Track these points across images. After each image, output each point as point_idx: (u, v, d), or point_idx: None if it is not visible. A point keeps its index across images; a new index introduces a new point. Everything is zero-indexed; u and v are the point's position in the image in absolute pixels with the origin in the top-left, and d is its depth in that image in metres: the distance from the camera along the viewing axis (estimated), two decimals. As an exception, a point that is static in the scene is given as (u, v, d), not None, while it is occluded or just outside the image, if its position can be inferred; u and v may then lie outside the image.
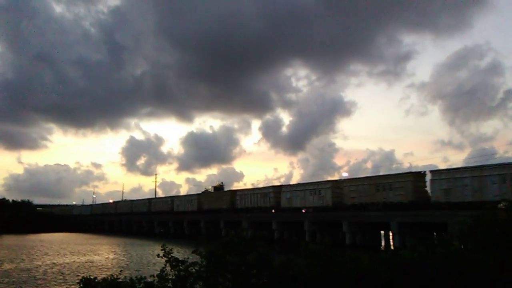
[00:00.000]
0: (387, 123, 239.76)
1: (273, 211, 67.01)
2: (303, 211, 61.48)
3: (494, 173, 40.54)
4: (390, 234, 50.56)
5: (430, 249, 10.68)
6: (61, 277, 33.89)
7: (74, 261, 44.66)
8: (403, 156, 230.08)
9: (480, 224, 10.43)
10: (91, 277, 10.56)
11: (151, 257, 46.84)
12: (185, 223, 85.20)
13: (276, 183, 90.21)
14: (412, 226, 44.80)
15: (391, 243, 50.25)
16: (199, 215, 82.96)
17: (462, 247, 10.99)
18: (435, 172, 47.10)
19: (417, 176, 49.59)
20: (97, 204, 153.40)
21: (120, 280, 10.28)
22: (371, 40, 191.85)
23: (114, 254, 53.58)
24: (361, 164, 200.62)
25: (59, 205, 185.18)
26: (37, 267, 39.60)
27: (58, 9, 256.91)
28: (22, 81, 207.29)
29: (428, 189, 48.19)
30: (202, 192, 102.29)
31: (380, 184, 52.47)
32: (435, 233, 43.43)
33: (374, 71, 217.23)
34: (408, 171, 59.72)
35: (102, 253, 54.31)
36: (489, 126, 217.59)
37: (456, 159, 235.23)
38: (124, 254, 53.52)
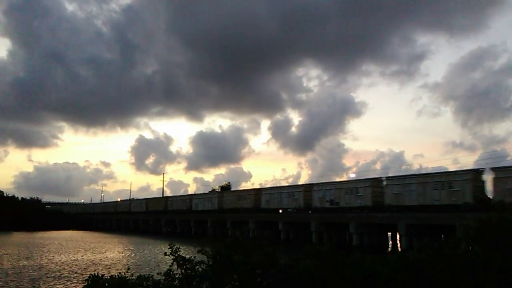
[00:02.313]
0: (398, 124, 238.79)
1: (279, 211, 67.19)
2: None
3: None
4: (398, 235, 50.30)
5: (437, 251, 10.64)
6: (71, 274, 34.18)
7: (83, 259, 45.00)
8: (413, 158, 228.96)
9: (488, 227, 10.37)
10: (99, 274, 10.67)
11: (158, 255, 47.10)
12: (192, 223, 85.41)
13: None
14: (420, 228, 44.52)
15: (398, 244, 50.00)
16: (206, 215, 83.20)
17: (470, 249, 10.93)
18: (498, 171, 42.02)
19: (257, 191, 73.71)
20: (79, 204, 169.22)
21: (127, 278, 10.36)
22: (385, 40, 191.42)
23: (123, 252, 53.91)
24: (370, 165, 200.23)
25: (67, 203, 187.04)
26: (47, 265, 39.95)
27: (70, 7, 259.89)
28: (34, 79, 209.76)
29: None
30: (218, 191, 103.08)
31: (241, 196, 77.51)
32: (443, 236, 43.13)
33: (386, 71, 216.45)
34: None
35: (111, 251, 54.67)
36: (502, 128, 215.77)
37: (467, 161, 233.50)
38: (132, 252, 53.81)
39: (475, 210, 38.96)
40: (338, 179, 74.77)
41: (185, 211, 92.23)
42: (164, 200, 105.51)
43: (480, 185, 43.93)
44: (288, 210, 65.68)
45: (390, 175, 63.69)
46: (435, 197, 45.83)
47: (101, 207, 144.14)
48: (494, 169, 42.99)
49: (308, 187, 64.45)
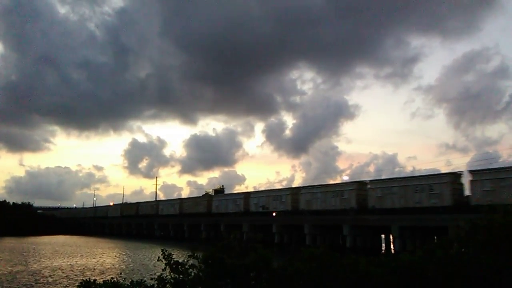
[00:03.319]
0: (392, 126, 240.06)
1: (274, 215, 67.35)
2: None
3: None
4: (391, 237, 50.47)
5: (430, 253, 10.71)
6: (64, 280, 33.91)
7: (76, 264, 44.65)
8: (406, 160, 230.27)
9: (478, 228, 10.45)
10: (91, 279, 10.58)
11: (150, 260, 46.84)
12: (185, 226, 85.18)
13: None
14: (413, 230, 44.74)
15: (392, 246, 50.14)
16: (199, 218, 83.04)
17: (463, 250, 11.00)
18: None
19: (210, 198, 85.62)
20: (69, 209, 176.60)
21: (120, 282, 10.30)
22: (379, 42, 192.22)
23: (116, 257, 53.55)
24: (363, 168, 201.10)
25: (59, 208, 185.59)
26: (40, 270, 39.58)
27: (63, 10, 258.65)
28: (26, 83, 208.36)
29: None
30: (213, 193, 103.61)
31: (196, 202, 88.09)
32: (435, 237, 43.36)
33: (380, 74, 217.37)
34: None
35: (105, 256, 54.27)
36: (494, 129, 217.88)
37: (460, 162, 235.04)
38: (125, 257, 53.48)
39: (358, 213, 51.80)
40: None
41: (152, 215, 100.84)
42: (135, 205, 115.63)
43: (363, 193, 53.36)
44: (231, 213, 74.99)
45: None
46: (332, 203, 56.17)
47: (83, 213, 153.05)
48: (370, 181, 54.30)
49: (247, 194, 75.04)
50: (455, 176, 45.85)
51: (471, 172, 45.03)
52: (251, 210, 70.57)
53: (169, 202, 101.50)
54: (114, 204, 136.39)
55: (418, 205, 46.48)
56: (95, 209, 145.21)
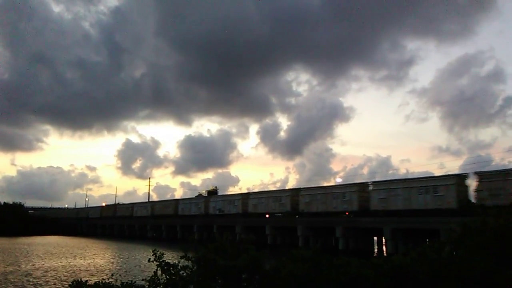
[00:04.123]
0: (386, 129, 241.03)
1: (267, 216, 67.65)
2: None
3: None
4: (383, 240, 50.66)
5: (422, 255, 10.74)
6: (56, 280, 33.62)
7: (68, 265, 44.29)
8: (400, 163, 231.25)
9: (470, 231, 10.51)
10: (82, 280, 10.50)
11: (143, 260, 46.60)
12: (178, 227, 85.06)
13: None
14: (405, 232, 44.94)
15: (384, 248, 50.32)
16: (193, 220, 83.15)
17: (454, 253, 11.05)
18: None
19: (176, 201, 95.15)
20: (60, 209, 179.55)
21: (111, 283, 10.22)
22: (375, 45, 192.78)
23: (108, 258, 53.21)
24: (357, 170, 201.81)
25: (51, 208, 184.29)
26: (33, 271, 39.18)
27: (57, 9, 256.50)
28: (19, 82, 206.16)
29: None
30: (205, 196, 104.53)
31: (165, 205, 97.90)
32: (427, 240, 43.56)
33: (375, 77, 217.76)
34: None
35: (96, 257, 53.90)
36: (487, 133, 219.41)
37: (452, 165, 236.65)
38: (117, 258, 53.15)
39: (291, 216, 61.32)
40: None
41: (127, 217, 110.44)
42: (113, 207, 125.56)
43: (296, 199, 62.02)
44: (195, 215, 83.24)
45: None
46: (272, 207, 65.48)
47: (66, 213, 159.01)
48: (302, 189, 63.18)
49: (207, 198, 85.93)
50: (363, 186, 54.59)
51: (373, 183, 53.34)
52: (210, 212, 79.74)
53: (142, 204, 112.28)
54: (96, 206, 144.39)
55: (334, 210, 55.39)
56: (77, 210, 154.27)
